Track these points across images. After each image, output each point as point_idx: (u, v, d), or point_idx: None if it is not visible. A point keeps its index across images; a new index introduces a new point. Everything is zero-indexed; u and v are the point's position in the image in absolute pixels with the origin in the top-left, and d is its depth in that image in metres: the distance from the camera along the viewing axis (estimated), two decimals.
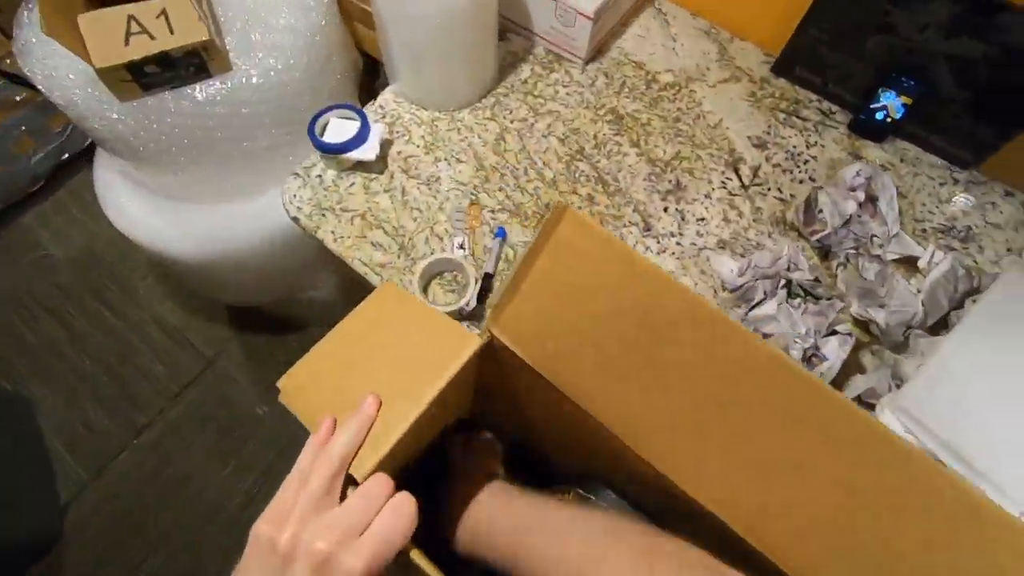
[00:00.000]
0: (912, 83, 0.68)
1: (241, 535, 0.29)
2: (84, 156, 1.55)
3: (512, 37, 0.81)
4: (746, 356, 0.28)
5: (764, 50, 0.81)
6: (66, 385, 1.34)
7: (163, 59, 0.67)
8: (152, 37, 0.66)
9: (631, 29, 0.83)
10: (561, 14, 0.73)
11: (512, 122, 0.75)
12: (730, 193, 0.69)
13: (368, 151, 0.69)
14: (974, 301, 0.54)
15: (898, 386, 0.50)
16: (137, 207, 0.91)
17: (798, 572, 0.27)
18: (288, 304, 1.21)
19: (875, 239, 0.60)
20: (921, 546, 0.25)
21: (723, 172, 0.71)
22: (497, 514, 0.39)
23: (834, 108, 0.76)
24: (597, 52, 0.80)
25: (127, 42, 0.66)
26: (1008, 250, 0.65)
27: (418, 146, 0.73)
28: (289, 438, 1.28)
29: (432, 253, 0.66)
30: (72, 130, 1.51)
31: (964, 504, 0.24)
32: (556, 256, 0.33)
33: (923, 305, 0.52)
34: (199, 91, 0.71)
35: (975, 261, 0.64)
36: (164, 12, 0.66)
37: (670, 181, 0.70)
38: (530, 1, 0.76)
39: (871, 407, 0.50)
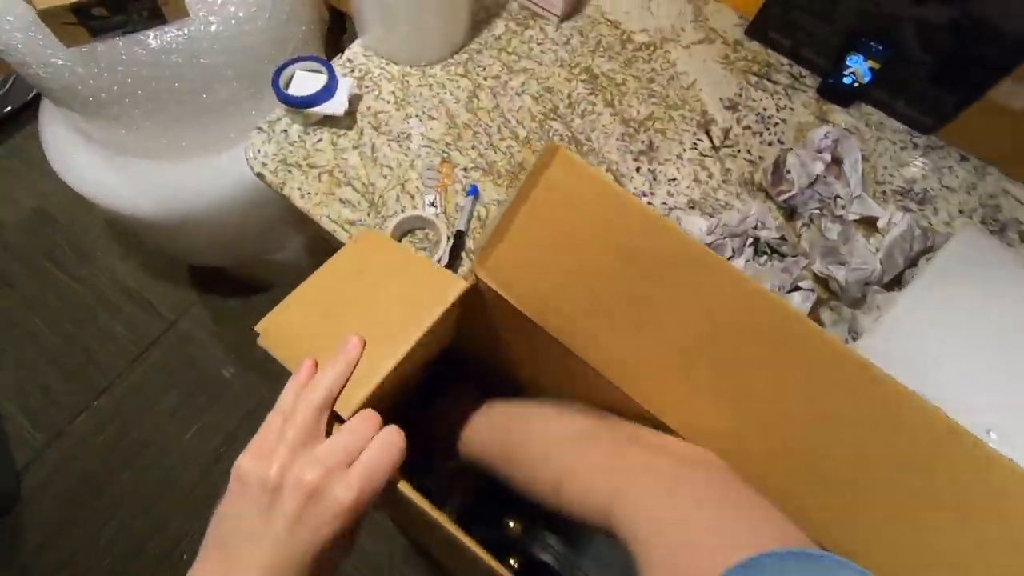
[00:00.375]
0: (881, 48, 0.69)
1: (204, 498, 0.29)
2: (30, 109, 1.46)
3: None
4: (732, 292, 0.28)
5: (739, 12, 0.81)
6: (18, 349, 1.29)
7: (112, 1, 0.63)
8: None
9: None
10: None
11: (485, 79, 0.73)
12: (701, 154, 0.70)
13: (337, 105, 0.66)
14: (928, 259, 0.56)
15: (854, 339, 0.52)
16: (89, 163, 0.87)
17: (775, 495, 0.28)
18: (254, 266, 1.18)
19: (839, 200, 0.62)
20: (893, 468, 0.26)
21: (695, 133, 0.71)
22: (483, 418, 0.40)
23: (804, 72, 0.77)
24: (572, 10, 0.78)
25: None
26: (960, 212, 0.68)
27: (388, 102, 0.71)
28: (256, 402, 1.27)
29: (403, 211, 0.65)
30: (15, 81, 1.41)
31: (933, 428, 0.26)
32: (546, 196, 0.32)
33: (881, 263, 0.54)
34: (153, 38, 0.67)
35: (930, 222, 0.67)
36: None
37: (643, 142, 0.70)
38: None
39: None
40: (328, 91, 0.66)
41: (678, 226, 0.63)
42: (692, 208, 0.66)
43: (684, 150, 0.70)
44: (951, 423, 0.25)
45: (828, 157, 0.62)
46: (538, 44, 0.76)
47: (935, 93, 0.69)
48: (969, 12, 0.61)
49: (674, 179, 0.68)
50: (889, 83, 0.71)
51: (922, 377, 0.45)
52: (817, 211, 0.61)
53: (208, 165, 0.86)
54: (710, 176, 0.68)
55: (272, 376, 1.24)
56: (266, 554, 0.26)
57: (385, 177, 0.67)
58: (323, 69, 0.67)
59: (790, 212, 0.64)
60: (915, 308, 0.49)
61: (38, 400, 1.25)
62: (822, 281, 0.59)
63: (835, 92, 0.73)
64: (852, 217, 0.61)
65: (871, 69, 0.69)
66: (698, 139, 0.71)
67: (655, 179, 0.68)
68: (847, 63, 0.70)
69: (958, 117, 0.69)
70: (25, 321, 1.31)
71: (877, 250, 0.56)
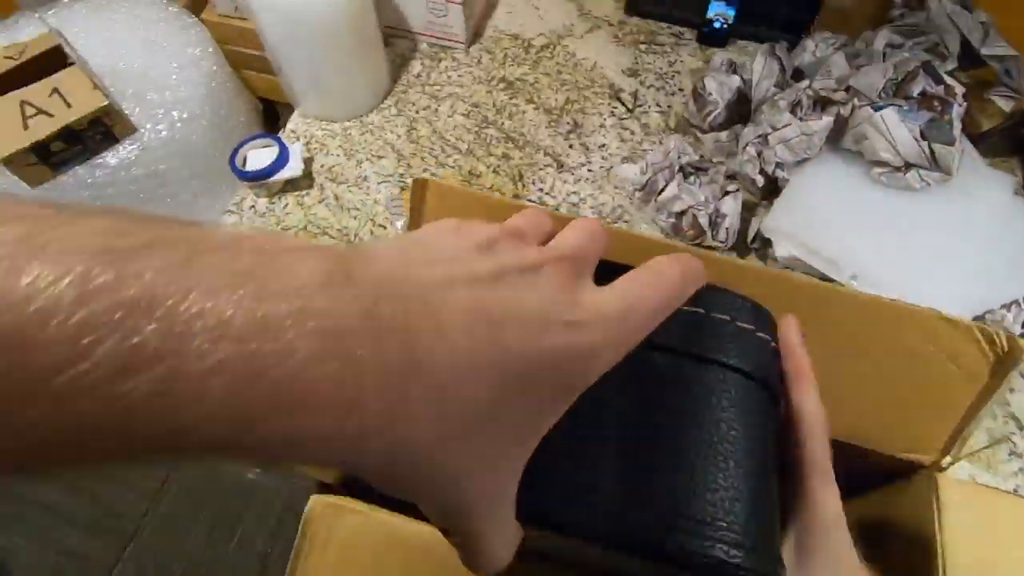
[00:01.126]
0: None
1: None
2: None
3: (395, 42, 0.88)
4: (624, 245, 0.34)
5: None
6: (34, 520, 1.26)
7: (68, 134, 0.69)
8: (50, 115, 0.67)
9: (499, 9, 0.92)
10: (433, 7, 0.81)
11: (417, 112, 0.81)
12: (619, 119, 0.79)
13: (295, 168, 0.73)
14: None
15: None
16: None
17: None
18: None
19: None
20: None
21: (609, 104, 0.80)
22: None
23: (683, 30, 0.88)
24: (475, 35, 0.88)
25: (26, 126, 0.67)
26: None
27: (338, 155, 0.78)
28: (289, 493, 1.26)
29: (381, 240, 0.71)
30: None
31: (820, 291, 0.34)
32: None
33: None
34: (111, 157, 0.73)
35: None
36: (56, 90, 0.68)
37: (567, 123, 0.79)
38: (402, 4, 0.83)
39: (769, 241, 0.60)
40: (283, 159, 0.72)
41: (617, 179, 0.71)
42: (625, 161, 0.74)
43: (604, 120, 0.79)
44: (835, 288, 0.34)
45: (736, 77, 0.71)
46: (454, 71, 0.85)
47: (789, 12, 0.80)
48: None
49: (603, 145, 0.77)
50: (754, 16, 0.82)
51: (823, 242, 0.55)
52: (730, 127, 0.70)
53: None
54: (632, 134, 0.77)
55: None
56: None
57: (355, 218, 0.73)
58: (273, 143, 0.74)
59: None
60: (810, 182, 0.59)
61: (66, 568, 1.22)
62: (747, 181, 0.67)
63: (711, 38, 0.84)
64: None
65: (730, 6, 0.80)
66: (613, 107, 0.80)
67: (588, 150, 0.76)
68: (710, 10, 0.82)
69: (815, 20, 0.81)
70: (35, 488, 1.29)
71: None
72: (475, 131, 0.79)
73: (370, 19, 0.75)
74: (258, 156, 0.74)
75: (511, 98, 0.82)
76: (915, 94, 0.61)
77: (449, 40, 0.86)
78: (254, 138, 0.75)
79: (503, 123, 0.80)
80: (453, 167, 0.76)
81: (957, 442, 0.34)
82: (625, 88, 0.82)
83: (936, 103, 0.60)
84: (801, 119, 0.63)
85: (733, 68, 0.74)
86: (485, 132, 0.79)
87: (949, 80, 0.61)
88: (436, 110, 0.81)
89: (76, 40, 0.78)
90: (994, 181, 0.64)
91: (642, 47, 0.86)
